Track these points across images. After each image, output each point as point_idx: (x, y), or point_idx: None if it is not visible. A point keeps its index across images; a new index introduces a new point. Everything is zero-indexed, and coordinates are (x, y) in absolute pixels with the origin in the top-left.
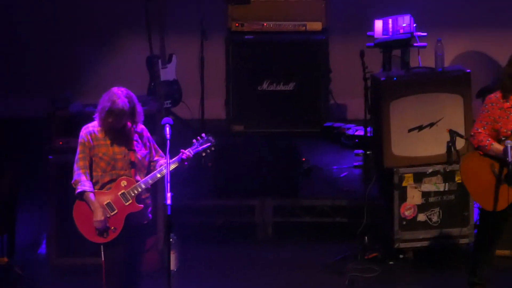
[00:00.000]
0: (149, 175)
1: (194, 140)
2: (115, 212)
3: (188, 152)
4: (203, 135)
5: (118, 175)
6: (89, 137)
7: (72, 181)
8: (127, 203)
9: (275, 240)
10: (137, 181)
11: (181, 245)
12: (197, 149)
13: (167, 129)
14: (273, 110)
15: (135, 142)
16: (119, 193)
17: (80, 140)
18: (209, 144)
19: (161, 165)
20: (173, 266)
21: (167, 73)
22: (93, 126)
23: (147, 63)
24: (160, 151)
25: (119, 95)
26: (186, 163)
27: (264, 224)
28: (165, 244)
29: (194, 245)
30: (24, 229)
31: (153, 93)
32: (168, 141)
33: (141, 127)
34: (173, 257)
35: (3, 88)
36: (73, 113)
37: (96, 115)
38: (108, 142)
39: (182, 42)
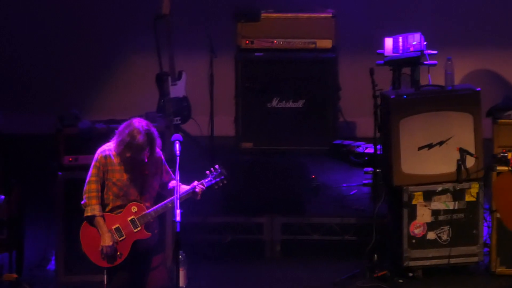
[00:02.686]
0: (160, 204)
1: (207, 172)
2: (123, 238)
3: (201, 185)
4: (217, 167)
5: (129, 200)
6: (104, 161)
7: (82, 202)
8: (136, 230)
9: (283, 258)
10: (147, 207)
11: (190, 263)
12: (210, 182)
13: (177, 145)
14: (282, 128)
15: (149, 168)
16: (129, 218)
17: (95, 162)
18: (222, 177)
19: (172, 187)
20: (182, 283)
21: (177, 90)
22: (109, 150)
23: (157, 80)
24: (171, 173)
25: (140, 130)
26: (199, 197)
27: (272, 242)
28: (174, 261)
29: (203, 263)
30: (32, 245)
31: (163, 110)
32: (178, 157)
33: (157, 151)
34: (182, 274)
35: (12, 104)
36: (82, 130)
37: (114, 142)
38: (123, 167)
39: (192, 59)
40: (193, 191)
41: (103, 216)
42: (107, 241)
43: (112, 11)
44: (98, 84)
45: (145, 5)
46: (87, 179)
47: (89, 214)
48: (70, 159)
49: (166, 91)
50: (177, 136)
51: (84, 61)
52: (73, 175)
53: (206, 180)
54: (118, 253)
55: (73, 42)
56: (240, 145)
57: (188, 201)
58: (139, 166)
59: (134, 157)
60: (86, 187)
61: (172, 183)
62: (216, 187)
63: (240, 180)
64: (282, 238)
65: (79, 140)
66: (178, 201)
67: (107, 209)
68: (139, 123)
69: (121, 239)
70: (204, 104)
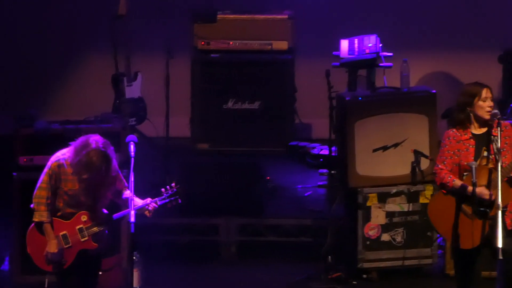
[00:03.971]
0: (112, 216)
1: (163, 190)
2: (69, 245)
3: (154, 204)
4: (173, 185)
5: (81, 208)
6: (57, 170)
7: (31, 206)
8: (83, 239)
9: (239, 259)
10: (99, 216)
11: (145, 264)
12: (164, 200)
13: (132, 146)
14: (238, 129)
15: (100, 181)
16: (77, 227)
17: (47, 170)
18: (177, 196)
19: (125, 197)
20: (136, 284)
21: (132, 91)
22: (64, 159)
23: (113, 80)
24: (125, 182)
25: (97, 152)
26: (150, 214)
27: (228, 243)
28: (129, 263)
29: (159, 264)
30: None
31: (118, 111)
32: (133, 158)
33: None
34: (136, 275)
35: None
36: (38, 131)
37: (70, 155)
38: (76, 177)
39: (148, 60)
40: (147, 209)
41: (51, 222)
42: (52, 248)
43: (69, 11)
44: (54, 84)
45: (101, 6)
46: (38, 184)
47: (36, 219)
48: (25, 159)
49: (122, 92)
50: (132, 137)
51: (40, 61)
52: (29, 175)
53: (160, 198)
54: (63, 260)
55: (29, 42)
56: (196, 146)
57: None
58: (95, 184)
59: (90, 178)
60: (36, 192)
61: (126, 194)
62: (170, 205)
63: (196, 181)
64: (238, 240)
65: (35, 141)
66: (132, 202)
67: (58, 214)
68: (96, 143)
69: (67, 246)
70: (160, 105)
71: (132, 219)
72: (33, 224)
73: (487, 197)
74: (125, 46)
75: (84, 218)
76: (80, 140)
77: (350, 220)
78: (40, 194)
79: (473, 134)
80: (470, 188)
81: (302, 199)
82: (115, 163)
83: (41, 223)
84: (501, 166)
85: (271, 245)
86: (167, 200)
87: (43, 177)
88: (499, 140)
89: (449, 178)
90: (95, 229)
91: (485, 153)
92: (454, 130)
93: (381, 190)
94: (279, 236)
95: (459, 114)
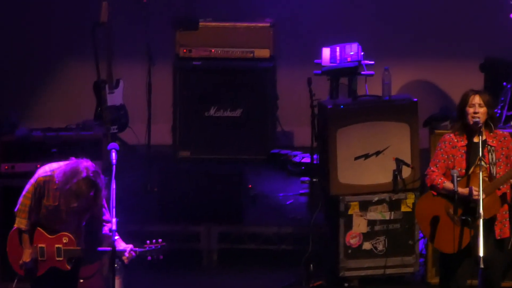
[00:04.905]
0: (93, 251)
1: (147, 242)
2: (44, 259)
3: (133, 252)
4: (160, 240)
5: (59, 226)
6: (42, 184)
7: (15, 210)
8: (58, 259)
9: (220, 267)
10: (78, 242)
11: (126, 271)
12: (144, 253)
13: (113, 154)
14: (219, 136)
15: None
16: (57, 245)
17: (34, 182)
18: (159, 253)
19: (105, 233)
20: None
21: (114, 98)
22: (51, 176)
23: (94, 88)
24: (107, 213)
25: (87, 181)
26: (126, 261)
27: (209, 251)
28: (110, 270)
29: (140, 271)
30: None
31: (100, 118)
32: (114, 166)
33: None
34: (117, 282)
35: None
36: (19, 138)
37: (58, 176)
38: (58, 194)
39: (130, 67)
40: (126, 257)
41: (30, 232)
42: (25, 256)
43: (51, 17)
44: (35, 91)
45: (83, 13)
46: (24, 193)
47: (15, 225)
48: (7, 167)
49: (104, 99)
50: (113, 145)
51: (22, 68)
52: (11, 182)
53: (140, 250)
54: (36, 269)
55: (10, 49)
56: (177, 153)
57: (126, 207)
58: (80, 211)
59: (77, 206)
60: (21, 199)
61: (106, 229)
62: (149, 258)
63: (177, 188)
64: (219, 247)
65: (16, 148)
66: (114, 209)
67: (40, 225)
68: (86, 171)
69: (41, 259)
70: (141, 113)
71: (114, 227)
72: (16, 227)
73: (475, 197)
74: (107, 53)
75: (65, 239)
76: (71, 165)
77: (332, 228)
78: (23, 202)
79: (469, 141)
80: (460, 190)
81: (283, 207)
82: (104, 194)
83: (20, 230)
84: (487, 176)
85: (253, 253)
86: (147, 254)
87: (28, 187)
88: (479, 149)
89: (439, 180)
90: (72, 253)
91: (480, 162)
92: (451, 135)
93: (363, 198)
94: (261, 244)
95: (456, 121)
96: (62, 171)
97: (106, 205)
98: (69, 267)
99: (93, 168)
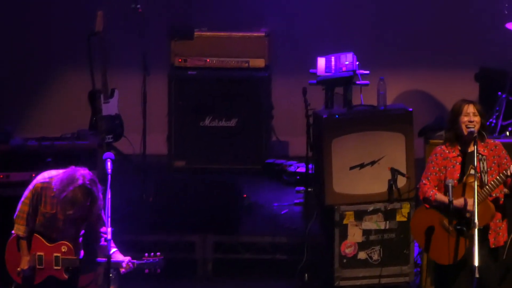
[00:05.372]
0: (90, 261)
1: (146, 254)
2: (42, 267)
3: (131, 264)
4: (158, 254)
5: (56, 234)
6: (40, 191)
7: (14, 217)
8: (56, 268)
9: (215, 277)
10: (76, 251)
11: (121, 281)
12: (141, 265)
13: (109, 163)
14: (215, 146)
15: (83, 216)
16: (55, 254)
17: (32, 188)
18: (156, 267)
19: (101, 245)
20: None
21: (109, 108)
22: (49, 183)
23: (89, 97)
24: (105, 222)
25: (83, 189)
26: (124, 270)
27: (204, 260)
28: (105, 280)
29: (135, 281)
30: None
31: (95, 128)
32: (109, 175)
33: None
34: None
35: None
36: (14, 147)
37: (56, 186)
38: (55, 201)
39: (125, 77)
40: (121, 264)
41: (28, 239)
42: (22, 264)
43: (46, 27)
44: (30, 101)
45: (78, 22)
46: (22, 199)
47: (14, 232)
48: (1, 176)
49: (99, 109)
50: (109, 154)
51: (17, 78)
52: (6, 192)
53: (138, 262)
54: (33, 277)
55: (6, 58)
56: (172, 163)
57: (121, 217)
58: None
59: (73, 214)
60: (19, 206)
61: (103, 241)
62: (147, 271)
63: (172, 198)
64: (214, 257)
65: (11, 157)
66: (109, 219)
67: (37, 232)
68: (83, 179)
69: (39, 267)
70: (136, 122)
71: (109, 236)
72: (15, 234)
73: (469, 207)
74: (102, 63)
75: (64, 248)
76: (68, 173)
77: (327, 238)
78: (22, 209)
79: (461, 151)
80: (455, 201)
81: (278, 216)
82: (100, 203)
83: (19, 237)
84: (479, 185)
85: (247, 262)
86: (144, 266)
87: (27, 193)
88: (475, 158)
89: (431, 192)
90: (70, 263)
91: (472, 171)
92: (442, 147)
93: (358, 208)
94: (256, 254)
95: (447, 132)
96: (59, 178)
97: (104, 217)
98: (66, 277)
99: (90, 177)
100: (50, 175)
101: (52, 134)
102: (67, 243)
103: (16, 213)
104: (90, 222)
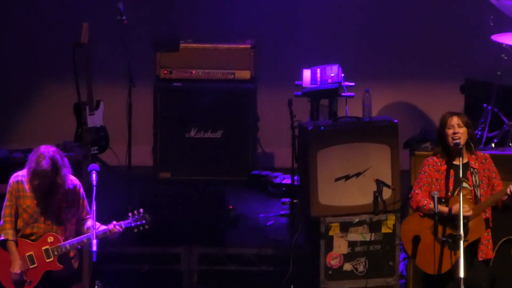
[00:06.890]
0: (76, 238)
1: (130, 214)
2: (35, 266)
3: (118, 226)
4: (141, 210)
5: (42, 229)
6: (16, 186)
7: (0, 224)
8: (48, 260)
9: None
10: (64, 239)
11: None
12: (129, 224)
13: (94, 175)
14: (200, 158)
15: (65, 199)
16: (43, 247)
17: (8, 188)
18: (143, 221)
19: (88, 227)
20: None
21: (95, 119)
22: (22, 175)
23: (75, 109)
24: (89, 210)
25: (45, 155)
26: (116, 234)
27: (189, 272)
28: None
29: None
30: None
31: (80, 140)
32: (95, 187)
33: (74, 183)
34: None
35: None
36: None
37: (26, 169)
38: (34, 195)
39: (110, 88)
40: (109, 230)
41: (16, 242)
42: (15, 268)
43: (31, 39)
44: (15, 112)
45: (63, 34)
46: (4, 204)
47: (1, 238)
48: None
49: (84, 121)
50: (94, 166)
51: (2, 90)
52: None
53: (125, 222)
54: (28, 280)
55: None
56: (158, 175)
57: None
58: (50, 195)
59: (41, 185)
60: (2, 211)
61: (88, 224)
62: (136, 230)
63: (158, 210)
64: (199, 269)
65: None
66: (94, 231)
67: (19, 235)
68: (45, 149)
69: (32, 266)
70: (122, 134)
71: (94, 248)
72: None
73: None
74: (87, 75)
75: (50, 239)
76: (34, 150)
77: (312, 249)
78: (4, 213)
79: (451, 164)
80: (446, 209)
81: (264, 228)
82: (79, 186)
83: (6, 241)
84: (473, 200)
85: (233, 274)
86: (132, 224)
87: (6, 196)
88: (460, 171)
89: (425, 202)
90: (60, 250)
91: (465, 184)
92: (434, 158)
93: (343, 219)
94: (241, 265)
95: (437, 145)
96: (27, 162)
97: (86, 200)
98: (61, 266)
99: (55, 149)
100: (22, 171)
101: (37, 146)
102: (52, 233)
103: (2, 219)
104: (74, 211)
